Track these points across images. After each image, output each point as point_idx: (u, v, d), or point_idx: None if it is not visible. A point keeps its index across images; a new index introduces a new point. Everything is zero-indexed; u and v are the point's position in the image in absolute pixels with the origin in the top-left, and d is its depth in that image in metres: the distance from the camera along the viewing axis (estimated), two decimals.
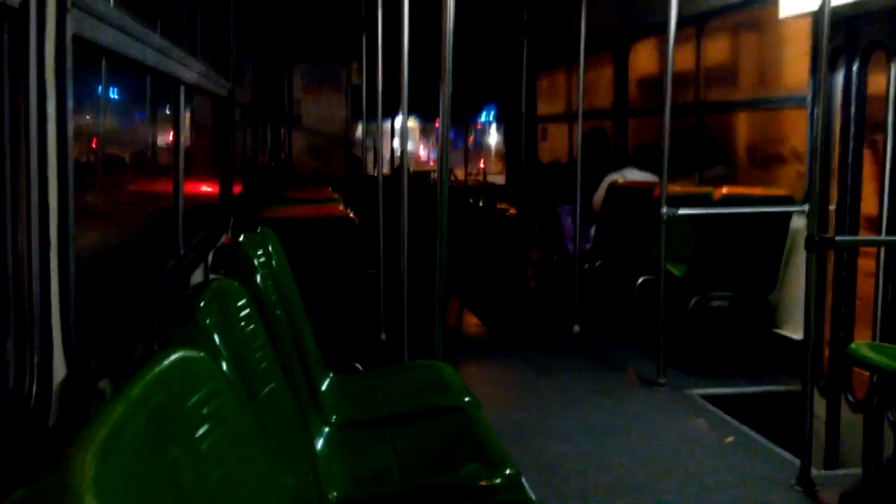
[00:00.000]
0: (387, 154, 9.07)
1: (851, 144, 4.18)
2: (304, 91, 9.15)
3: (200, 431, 1.08)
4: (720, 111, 5.84)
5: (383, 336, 5.32)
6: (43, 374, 1.26)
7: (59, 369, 1.31)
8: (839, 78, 4.25)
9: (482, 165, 12.23)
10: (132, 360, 1.65)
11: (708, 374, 4.64)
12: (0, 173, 1.21)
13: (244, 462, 1.17)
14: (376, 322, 5.31)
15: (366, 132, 7.59)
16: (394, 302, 4.71)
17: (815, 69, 4.40)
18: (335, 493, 2.06)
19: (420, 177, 10.12)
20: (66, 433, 1.23)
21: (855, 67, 4.15)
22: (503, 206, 8.35)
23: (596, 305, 5.91)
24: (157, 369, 1.05)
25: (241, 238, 2.46)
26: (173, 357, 1.11)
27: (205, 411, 1.11)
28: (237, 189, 4.53)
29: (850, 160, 4.17)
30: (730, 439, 3.74)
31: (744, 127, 5.74)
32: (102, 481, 0.80)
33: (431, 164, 12.60)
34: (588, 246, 6.15)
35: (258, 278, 2.28)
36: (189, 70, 2.89)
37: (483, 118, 14.27)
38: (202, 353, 1.18)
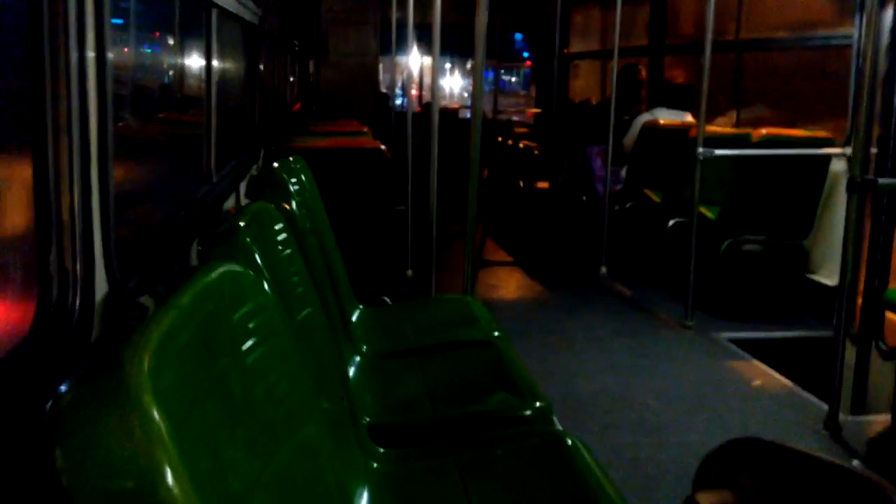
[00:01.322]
0: (415, 91, 8.94)
1: None
2: (333, 23, 8.99)
3: (247, 344, 1.08)
4: (761, 49, 5.66)
5: (410, 272, 5.33)
6: (85, 288, 1.26)
7: (101, 286, 1.31)
8: (888, 16, 4.08)
9: (530, 112, 11.83)
10: (171, 277, 1.65)
11: (737, 318, 4.61)
12: (41, 90, 1.19)
13: (288, 378, 1.17)
14: (403, 258, 5.31)
15: (395, 68, 7.48)
16: (421, 239, 4.70)
17: (862, 6, 4.22)
18: (367, 419, 2.08)
19: (448, 114, 9.99)
20: (109, 344, 1.24)
21: None
22: (532, 144, 8.25)
23: (624, 247, 5.87)
24: (206, 280, 1.05)
25: (275, 164, 2.44)
26: (221, 269, 1.10)
27: (251, 325, 1.10)
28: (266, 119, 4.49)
29: (895, 103, 4.03)
30: (757, 382, 3.73)
31: (784, 66, 5.57)
32: (158, 383, 0.80)
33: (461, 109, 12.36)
34: (618, 187, 6.08)
35: (294, 205, 2.26)
36: None
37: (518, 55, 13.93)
38: (247, 269, 1.17)
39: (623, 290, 5.32)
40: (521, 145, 8.31)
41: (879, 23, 4.03)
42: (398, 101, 9.07)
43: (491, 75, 11.53)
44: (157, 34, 2.54)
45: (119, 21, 1.88)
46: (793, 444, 1.07)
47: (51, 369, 1.10)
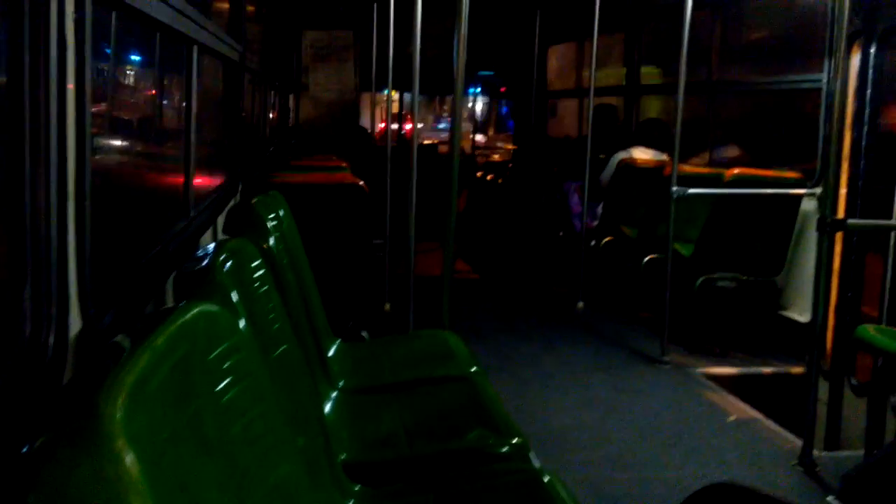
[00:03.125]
0: (393, 125, 8.98)
1: (865, 128, 4.15)
2: (313, 59, 9.06)
3: (222, 385, 1.08)
4: (733, 91, 5.79)
5: (387, 307, 5.32)
6: (60, 325, 1.25)
7: (75, 322, 1.31)
8: (855, 61, 4.21)
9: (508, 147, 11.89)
10: (146, 316, 1.64)
11: (712, 354, 4.65)
12: (20, 124, 1.20)
13: (263, 418, 1.17)
14: (381, 293, 5.30)
15: (374, 104, 7.54)
16: (398, 273, 4.70)
17: (832, 51, 4.35)
18: (343, 456, 2.07)
19: (426, 149, 10.06)
20: (84, 384, 1.23)
21: (872, 51, 4.10)
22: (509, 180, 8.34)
23: (601, 283, 5.92)
24: (180, 321, 1.05)
25: (254, 200, 2.45)
26: (196, 310, 1.10)
27: (226, 365, 1.10)
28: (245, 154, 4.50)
29: (863, 144, 4.14)
30: (732, 418, 3.76)
31: (756, 107, 5.70)
32: (131, 427, 0.80)
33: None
34: (595, 224, 6.14)
35: (271, 241, 2.27)
36: (203, 31, 2.85)
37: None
38: (223, 308, 1.17)
39: (599, 325, 5.35)
40: (499, 181, 8.39)
41: (847, 66, 4.16)
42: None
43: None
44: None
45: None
46: (766, 489, 1.08)
47: (23, 408, 1.08)
